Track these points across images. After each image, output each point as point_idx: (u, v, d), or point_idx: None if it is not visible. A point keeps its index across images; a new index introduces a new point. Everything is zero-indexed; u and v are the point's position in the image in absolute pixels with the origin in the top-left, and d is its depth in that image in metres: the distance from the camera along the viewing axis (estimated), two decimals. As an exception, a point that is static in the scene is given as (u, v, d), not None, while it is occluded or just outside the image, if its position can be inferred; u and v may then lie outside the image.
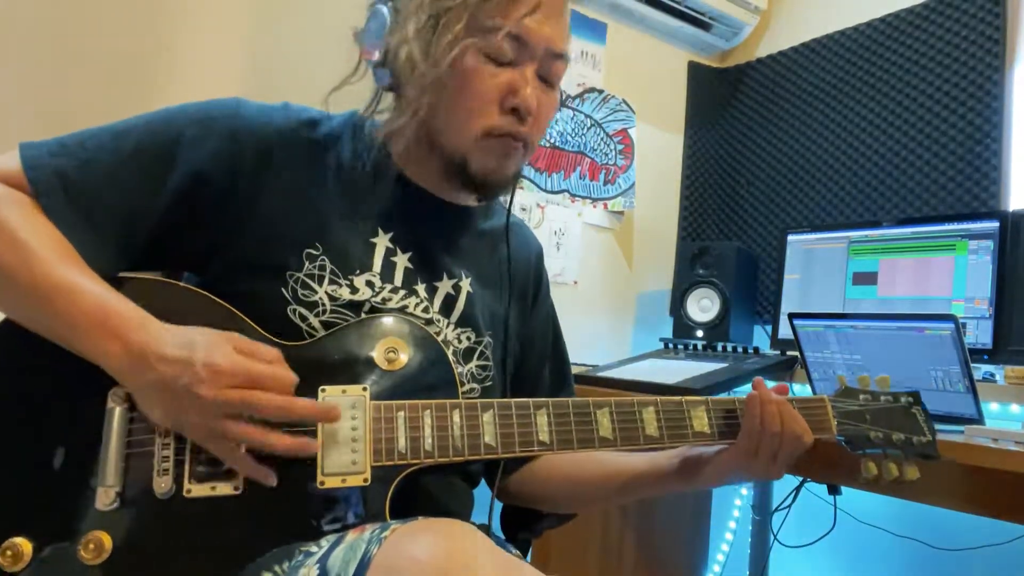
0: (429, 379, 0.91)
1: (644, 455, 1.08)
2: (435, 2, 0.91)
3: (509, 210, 1.12)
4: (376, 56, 0.95)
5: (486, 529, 1.05)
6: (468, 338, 1.03)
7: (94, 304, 0.79)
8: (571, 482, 1.13)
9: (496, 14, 0.91)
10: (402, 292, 0.98)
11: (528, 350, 1.17)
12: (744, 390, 1.51)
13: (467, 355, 1.03)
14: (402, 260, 1.00)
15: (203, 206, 0.91)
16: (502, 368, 1.10)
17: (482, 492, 1.13)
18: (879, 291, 1.88)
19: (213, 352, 0.77)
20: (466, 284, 1.05)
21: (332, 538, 0.77)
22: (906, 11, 2.19)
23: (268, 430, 0.78)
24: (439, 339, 0.95)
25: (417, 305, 0.99)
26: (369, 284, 0.96)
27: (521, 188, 2.28)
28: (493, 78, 0.93)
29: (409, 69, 0.92)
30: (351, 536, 0.75)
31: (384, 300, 0.96)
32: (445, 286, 1.03)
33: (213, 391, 0.75)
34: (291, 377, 0.81)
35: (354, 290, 0.95)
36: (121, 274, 0.88)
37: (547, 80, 0.99)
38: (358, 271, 0.96)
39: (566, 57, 0.99)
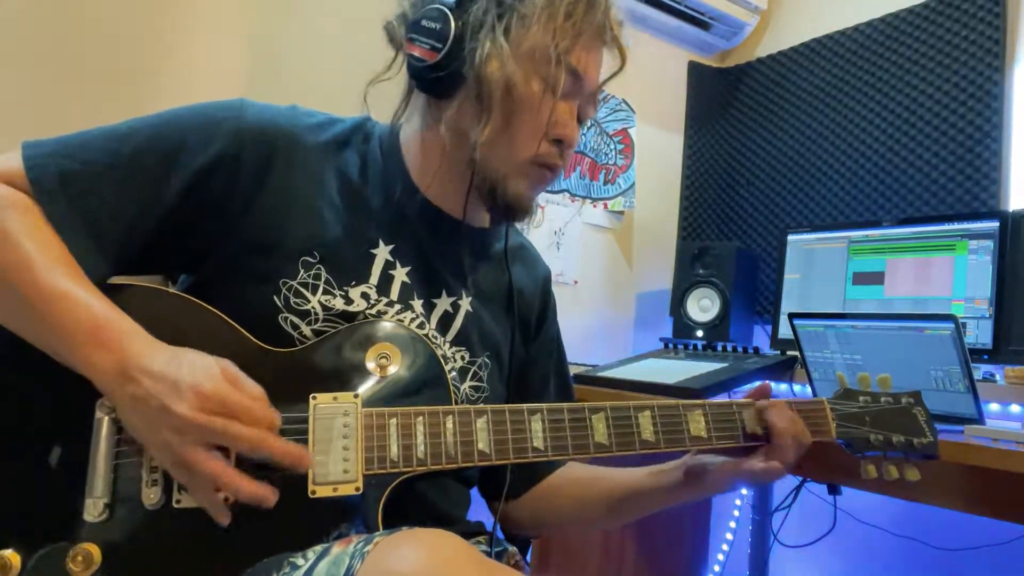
0: (422, 385, 0.91)
1: (648, 469, 1.08)
2: (523, 24, 0.92)
3: (507, 234, 1.12)
4: (437, 58, 0.92)
5: (482, 528, 1.04)
6: (463, 357, 1.03)
7: (87, 315, 0.78)
8: (577, 501, 1.12)
9: (573, 53, 0.94)
10: (398, 306, 0.97)
11: (529, 374, 1.16)
12: (744, 390, 1.51)
13: (462, 374, 1.02)
14: (400, 274, 0.99)
15: (203, 208, 0.90)
16: (503, 389, 1.10)
17: (479, 492, 1.14)
18: (886, 291, 1.88)
19: (200, 374, 0.75)
20: (465, 303, 1.04)
21: (319, 550, 0.76)
22: (906, 11, 2.19)
23: (234, 472, 0.76)
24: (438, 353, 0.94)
25: (412, 321, 0.98)
26: (365, 296, 0.95)
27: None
28: (549, 108, 0.95)
29: (503, 89, 0.92)
30: (336, 549, 0.74)
31: (379, 313, 0.95)
32: (444, 303, 1.02)
33: (190, 411, 0.73)
34: (270, 417, 0.78)
35: (348, 301, 0.94)
36: (114, 280, 0.88)
37: (581, 119, 1.02)
38: (354, 282, 0.95)
39: (598, 101, 1.03)
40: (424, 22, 0.93)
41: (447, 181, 1.01)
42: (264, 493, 0.77)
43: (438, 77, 0.94)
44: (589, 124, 2.43)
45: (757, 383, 1.88)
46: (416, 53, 0.94)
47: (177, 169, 0.89)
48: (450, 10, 0.92)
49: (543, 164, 0.98)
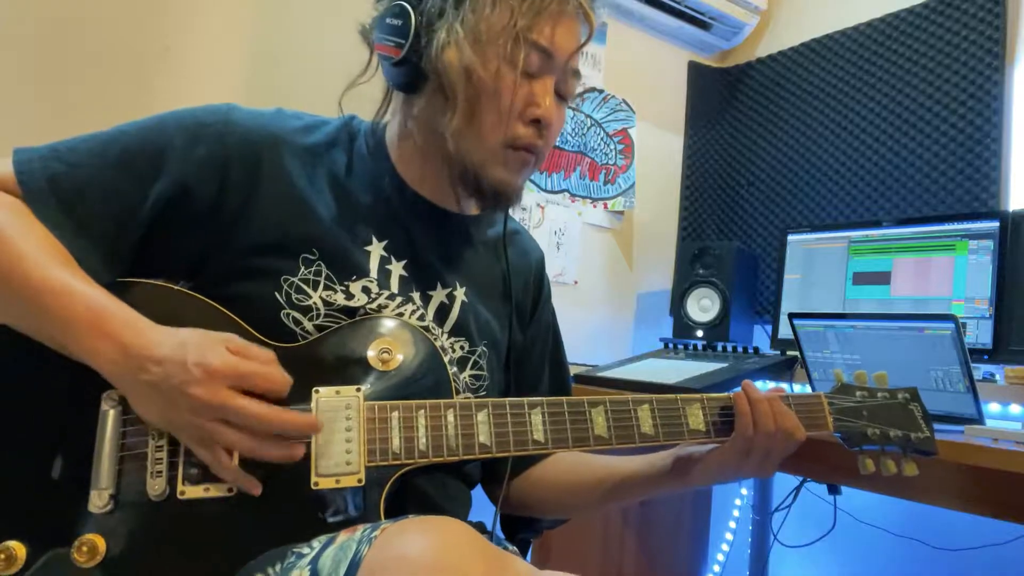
0: (423, 379, 0.91)
1: (638, 457, 1.08)
2: (478, 8, 0.90)
3: (505, 222, 1.11)
4: (394, 52, 0.93)
5: (482, 528, 1.05)
6: (462, 347, 1.03)
7: (86, 305, 0.79)
8: (565, 487, 1.13)
9: (537, 30, 0.91)
10: (399, 299, 0.98)
11: (526, 358, 1.17)
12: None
13: (461, 364, 1.03)
14: (397, 268, 0.99)
15: (192, 212, 0.91)
16: (503, 376, 1.10)
17: (480, 492, 1.13)
18: (892, 291, 1.88)
19: (206, 352, 0.77)
20: (460, 293, 1.05)
21: (324, 539, 0.77)
22: (906, 11, 2.19)
23: (259, 438, 0.78)
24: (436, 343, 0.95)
25: (413, 313, 0.99)
26: (365, 290, 0.96)
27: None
28: (519, 89, 0.93)
29: (462, 77, 0.90)
30: (342, 536, 0.74)
31: (380, 307, 0.96)
32: (439, 295, 1.03)
33: (206, 391, 0.75)
34: (284, 377, 0.80)
35: (349, 296, 0.94)
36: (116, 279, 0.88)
37: (563, 95, 0.99)
38: (355, 277, 0.96)
39: (580, 74, 1.00)
40: (388, 19, 0.94)
41: (432, 174, 1.01)
42: (291, 451, 0.80)
43: (404, 73, 0.94)
44: (590, 124, 2.43)
45: (757, 383, 1.88)
46: (383, 52, 0.94)
47: (164, 171, 0.90)
48: (410, 4, 0.92)
49: (520, 147, 0.96)
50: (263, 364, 0.80)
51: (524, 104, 0.94)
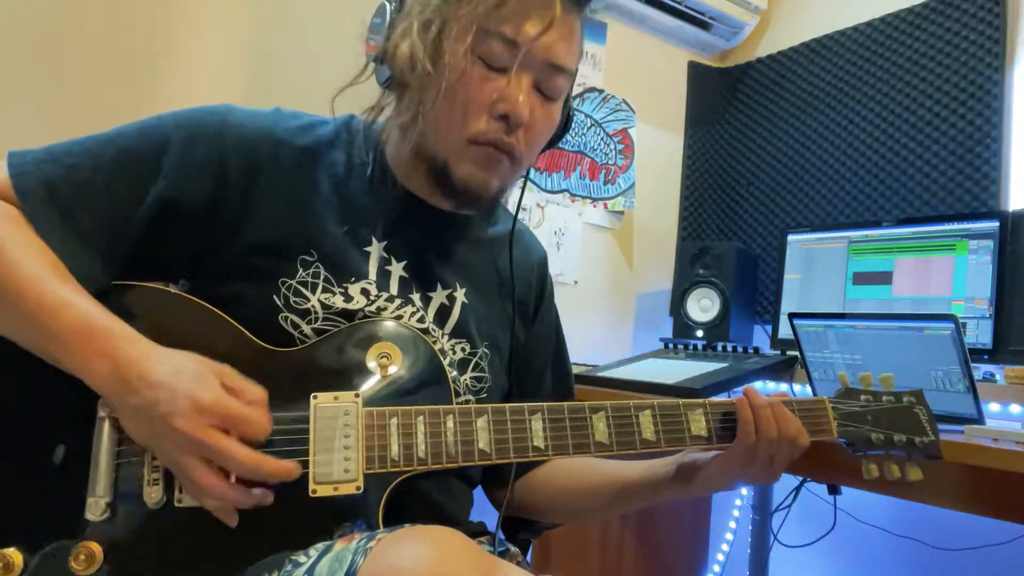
0: (422, 384, 0.91)
1: (641, 463, 1.08)
2: (443, 3, 0.89)
3: (514, 223, 1.09)
4: (375, 51, 0.93)
5: (485, 529, 1.04)
6: (463, 349, 1.02)
7: (81, 321, 0.78)
8: (566, 493, 1.12)
9: (500, 21, 0.88)
10: (398, 301, 0.97)
11: (529, 358, 1.16)
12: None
13: (462, 366, 1.02)
14: (397, 269, 0.99)
15: (190, 213, 0.90)
16: (505, 378, 1.09)
17: (481, 492, 1.13)
18: (894, 291, 1.87)
19: (199, 384, 0.76)
20: (461, 295, 1.04)
21: (321, 547, 0.76)
22: (906, 11, 2.19)
23: (230, 486, 0.76)
24: (435, 347, 0.94)
25: (413, 315, 0.98)
26: (364, 292, 0.95)
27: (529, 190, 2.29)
28: (485, 82, 0.90)
29: (409, 66, 0.89)
30: (339, 546, 0.74)
31: (379, 309, 0.95)
32: (439, 296, 1.02)
33: (189, 425, 0.74)
34: (266, 423, 0.79)
35: (348, 298, 0.94)
36: (113, 282, 0.88)
37: (545, 93, 0.95)
38: (353, 279, 0.95)
39: (569, 72, 0.96)
40: (374, 19, 0.94)
41: (417, 172, 0.98)
42: (259, 499, 0.78)
43: (384, 71, 0.94)
44: (590, 124, 2.43)
45: (758, 383, 1.88)
46: (366, 51, 0.95)
47: (161, 173, 0.89)
48: (388, 3, 0.93)
49: (486, 142, 0.92)
50: (249, 405, 0.78)
51: (491, 98, 0.91)
